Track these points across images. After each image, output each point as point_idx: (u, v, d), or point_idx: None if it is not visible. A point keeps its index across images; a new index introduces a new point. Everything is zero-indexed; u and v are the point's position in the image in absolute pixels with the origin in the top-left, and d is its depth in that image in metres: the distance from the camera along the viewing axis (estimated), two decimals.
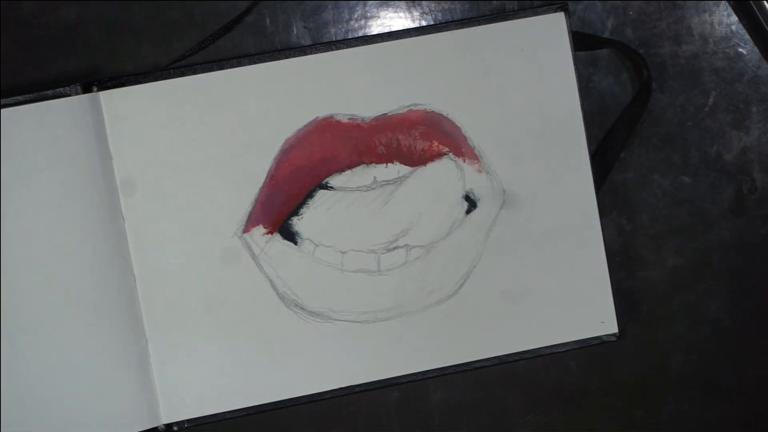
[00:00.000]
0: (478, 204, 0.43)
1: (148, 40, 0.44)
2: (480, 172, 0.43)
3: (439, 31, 0.43)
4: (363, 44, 0.43)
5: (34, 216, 0.42)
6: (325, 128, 0.43)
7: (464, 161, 0.43)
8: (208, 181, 0.43)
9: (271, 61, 0.43)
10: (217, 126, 0.43)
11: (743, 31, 0.45)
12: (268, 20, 0.44)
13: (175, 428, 0.43)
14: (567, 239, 0.43)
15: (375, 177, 0.43)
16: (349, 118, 0.43)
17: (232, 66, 0.43)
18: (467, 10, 0.44)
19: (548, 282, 0.43)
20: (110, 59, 0.44)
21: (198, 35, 0.44)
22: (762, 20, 0.44)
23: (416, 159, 0.43)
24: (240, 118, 0.43)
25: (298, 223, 0.43)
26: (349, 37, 0.44)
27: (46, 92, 0.42)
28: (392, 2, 0.44)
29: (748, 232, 0.45)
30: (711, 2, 0.45)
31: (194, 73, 0.43)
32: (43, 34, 0.43)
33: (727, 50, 0.45)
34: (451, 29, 0.43)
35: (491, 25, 0.43)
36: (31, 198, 0.42)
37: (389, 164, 0.43)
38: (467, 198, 0.43)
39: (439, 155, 0.43)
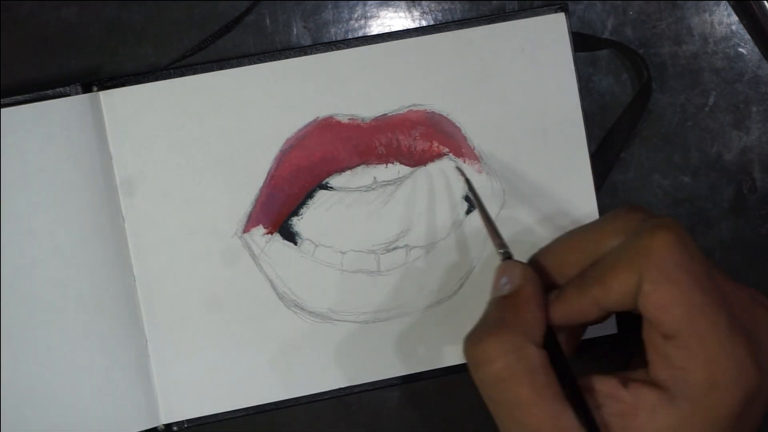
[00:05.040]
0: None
1: (148, 40, 0.44)
2: (480, 172, 0.43)
3: (439, 31, 0.43)
4: (363, 44, 0.43)
5: (34, 216, 0.42)
6: (325, 128, 0.43)
7: (464, 162, 0.43)
8: (208, 181, 0.43)
9: (271, 61, 0.43)
10: (217, 126, 0.43)
11: (743, 31, 0.45)
12: (268, 20, 0.44)
13: (175, 428, 0.43)
14: None
15: (375, 177, 0.43)
16: (349, 119, 0.43)
17: (232, 66, 0.43)
18: (467, 10, 0.44)
19: None
20: (110, 59, 0.44)
21: (198, 35, 0.44)
22: (762, 20, 0.44)
23: (416, 159, 0.43)
24: (240, 118, 0.43)
25: (298, 223, 0.43)
26: (349, 37, 0.44)
27: (46, 92, 0.42)
28: (392, 2, 0.44)
29: (748, 232, 0.45)
30: (711, 2, 0.45)
31: (194, 73, 0.43)
32: (43, 34, 0.43)
33: (728, 50, 0.45)
34: (451, 29, 0.43)
35: (491, 25, 0.43)
36: (31, 198, 0.42)
37: (389, 164, 0.43)
38: (467, 198, 0.43)
39: (439, 156, 0.43)
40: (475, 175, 0.43)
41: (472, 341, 0.34)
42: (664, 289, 0.32)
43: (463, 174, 0.43)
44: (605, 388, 0.33)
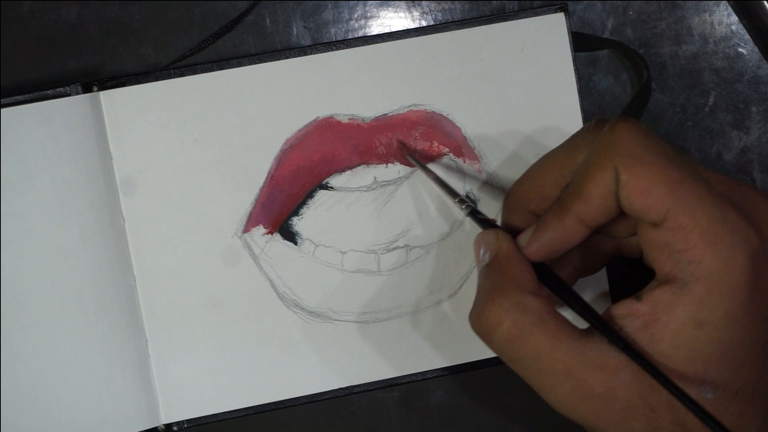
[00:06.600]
0: (478, 204, 0.43)
1: (148, 40, 0.44)
2: (480, 172, 0.43)
3: (439, 32, 0.43)
4: (363, 44, 0.43)
5: (34, 216, 0.42)
6: (325, 128, 0.43)
7: (464, 162, 0.43)
8: (208, 181, 0.43)
9: (271, 61, 0.43)
10: (218, 126, 0.43)
11: (743, 31, 0.45)
12: (268, 20, 0.44)
13: (175, 428, 0.43)
14: None
15: (375, 177, 0.43)
16: (350, 119, 0.43)
17: (232, 66, 0.43)
18: (467, 10, 0.44)
19: None
20: (110, 59, 0.44)
21: (198, 35, 0.44)
22: (762, 20, 0.44)
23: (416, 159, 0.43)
24: (240, 118, 0.43)
25: (298, 223, 0.43)
26: (349, 37, 0.44)
27: (46, 92, 0.42)
28: (392, 2, 0.44)
29: None
30: (711, 2, 0.45)
31: (194, 73, 0.43)
32: (43, 34, 0.43)
33: (727, 50, 0.45)
34: (451, 29, 0.43)
35: (491, 25, 0.43)
36: (31, 198, 0.42)
37: (389, 164, 0.43)
38: (468, 197, 0.43)
39: (439, 156, 0.43)
40: (475, 175, 0.43)
41: (474, 315, 0.34)
42: (641, 172, 0.31)
43: (411, 154, 0.43)
44: (621, 310, 0.33)
